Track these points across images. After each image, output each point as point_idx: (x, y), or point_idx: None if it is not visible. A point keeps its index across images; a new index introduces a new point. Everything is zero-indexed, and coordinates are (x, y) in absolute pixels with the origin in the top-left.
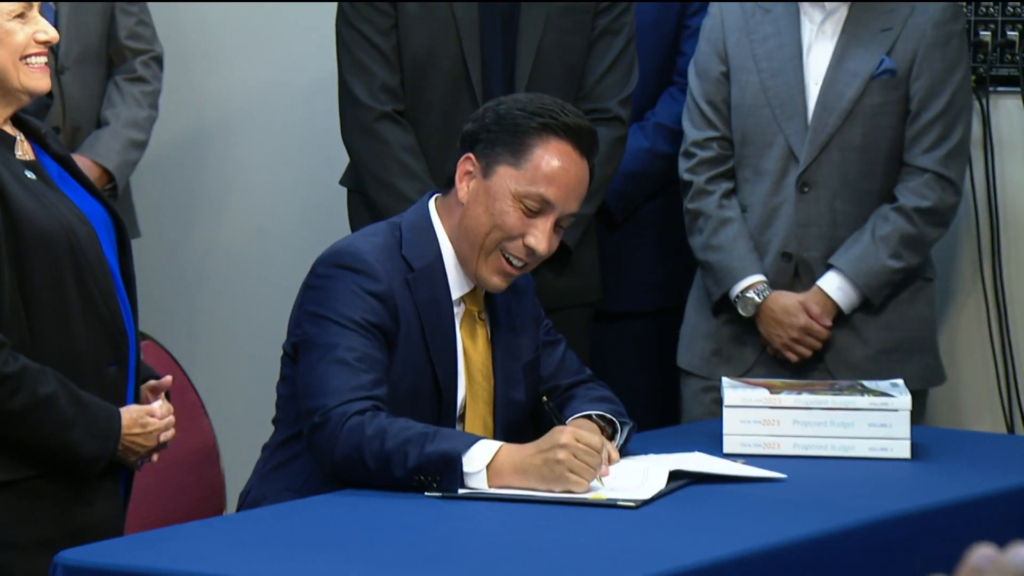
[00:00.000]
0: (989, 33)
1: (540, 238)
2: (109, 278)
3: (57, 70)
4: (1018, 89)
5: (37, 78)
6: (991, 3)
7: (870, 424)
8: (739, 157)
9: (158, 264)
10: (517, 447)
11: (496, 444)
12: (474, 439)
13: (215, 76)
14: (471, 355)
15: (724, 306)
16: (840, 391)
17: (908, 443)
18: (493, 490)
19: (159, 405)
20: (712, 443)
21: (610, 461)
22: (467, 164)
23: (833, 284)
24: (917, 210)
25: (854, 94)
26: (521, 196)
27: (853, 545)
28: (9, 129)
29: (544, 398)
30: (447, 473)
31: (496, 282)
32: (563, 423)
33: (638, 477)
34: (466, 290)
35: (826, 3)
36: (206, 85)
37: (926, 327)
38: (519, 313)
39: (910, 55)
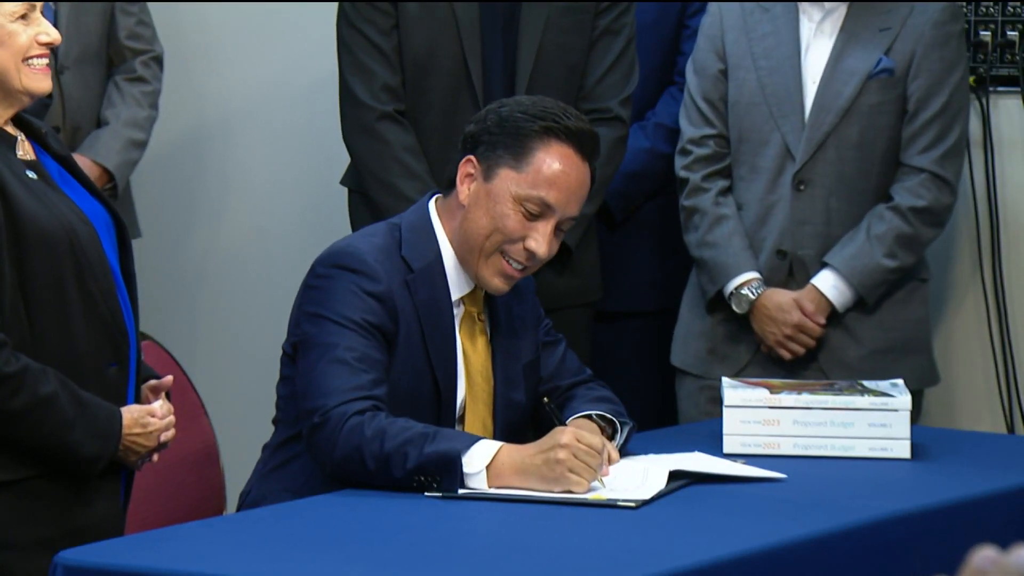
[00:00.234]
0: (989, 33)
1: (540, 241)
2: (110, 278)
3: (57, 70)
4: (1018, 89)
5: (39, 79)
6: (991, 3)
7: (870, 424)
8: (735, 155)
9: (158, 264)
10: (517, 447)
11: (496, 444)
12: (474, 439)
13: (215, 76)
14: (471, 356)
15: (718, 304)
16: (840, 391)
17: (908, 443)
18: (493, 490)
19: (159, 405)
20: (712, 443)
21: (610, 461)
22: (468, 166)
23: (827, 282)
24: (913, 210)
25: (851, 93)
26: (522, 199)
27: (853, 545)
28: (10, 129)
29: (545, 399)
30: (447, 473)
31: (497, 284)
32: (563, 424)
33: (638, 477)
34: (466, 291)
35: (825, 2)
36: (206, 85)
37: (920, 328)
38: (519, 314)
39: (908, 55)
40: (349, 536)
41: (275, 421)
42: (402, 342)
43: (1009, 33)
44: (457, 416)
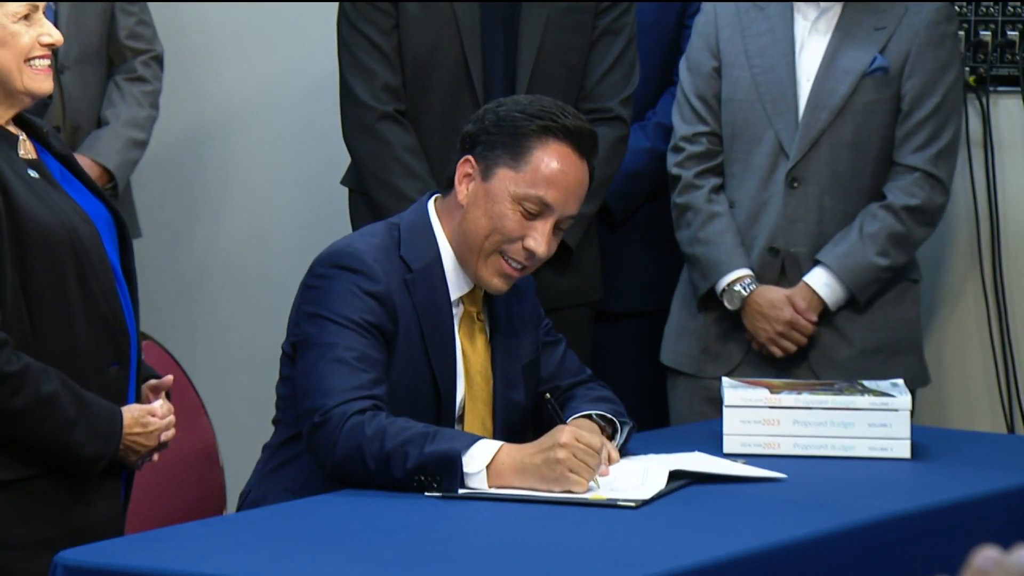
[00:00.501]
0: (989, 33)
1: (539, 240)
2: (111, 277)
3: (57, 70)
4: (1018, 89)
5: (40, 80)
6: (991, 3)
7: (870, 424)
8: (728, 152)
9: (158, 264)
10: (517, 447)
11: (496, 444)
12: (474, 439)
13: (215, 76)
14: (470, 356)
15: (710, 302)
16: (840, 391)
17: (908, 443)
18: (493, 490)
19: (160, 405)
20: (712, 443)
21: (610, 461)
22: (466, 166)
23: (820, 280)
24: (906, 208)
25: (846, 91)
26: (520, 199)
27: (853, 545)
28: (12, 128)
29: (547, 395)
30: (447, 473)
31: (497, 284)
32: (564, 421)
33: (638, 477)
34: (465, 291)
35: (821, 1)
36: (206, 85)
37: (911, 328)
38: (519, 314)
39: (903, 54)
40: (349, 536)
41: (275, 421)
42: (401, 342)
43: (1009, 33)
44: (457, 416)
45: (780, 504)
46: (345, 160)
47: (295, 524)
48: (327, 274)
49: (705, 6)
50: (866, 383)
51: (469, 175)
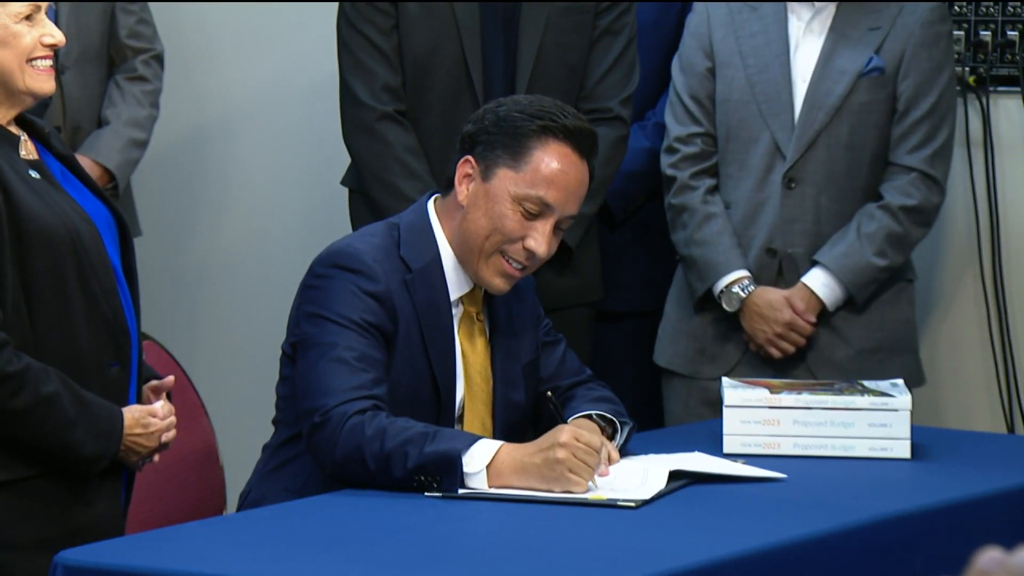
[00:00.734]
0: (989, 33)
1: (540, 240)
2: (112, 278)
3: (58, 70)
4: (1018, 89)
5: (42, 80)
6: (991, 3)
7: (870, 424)
8: (723, 153)
9: (159, 263)
10: (517, 447)
11: (496, 444)
12: (474, 439)
13: (215, 76)
14: (469, 356)
15: (705, 303)
16: (840, 391)
17: (908, 443)
18: (493, 490)
19: (161, 405)
20: (712, 443)
21: (610, 461)
22: (466, 167)
23: (818, 280)
24: (903, 208)
25: (842, 91)
26: (520, 199)
27: (853, 545)
28: (13, 129)
29: (548, 393)
30: (447, 473)
31: (498, 284)
32: (565, 419)
33: (638, 477)
34: (465, 291)
35: (815, 2)
36: (206, 85)
37: (907, 328)
38: (519, 314)
39: (898, 54)
40: (349, 536)
41: (275, 421)
42: (401, 342)
43: (1009, 33)
44: (456, 416)
45: (780, 504)
46: (345, 160)
47: (295, 524)
48: (327, 274)
49: (697, 5)
50: (866, 383)
51: (469, 175)
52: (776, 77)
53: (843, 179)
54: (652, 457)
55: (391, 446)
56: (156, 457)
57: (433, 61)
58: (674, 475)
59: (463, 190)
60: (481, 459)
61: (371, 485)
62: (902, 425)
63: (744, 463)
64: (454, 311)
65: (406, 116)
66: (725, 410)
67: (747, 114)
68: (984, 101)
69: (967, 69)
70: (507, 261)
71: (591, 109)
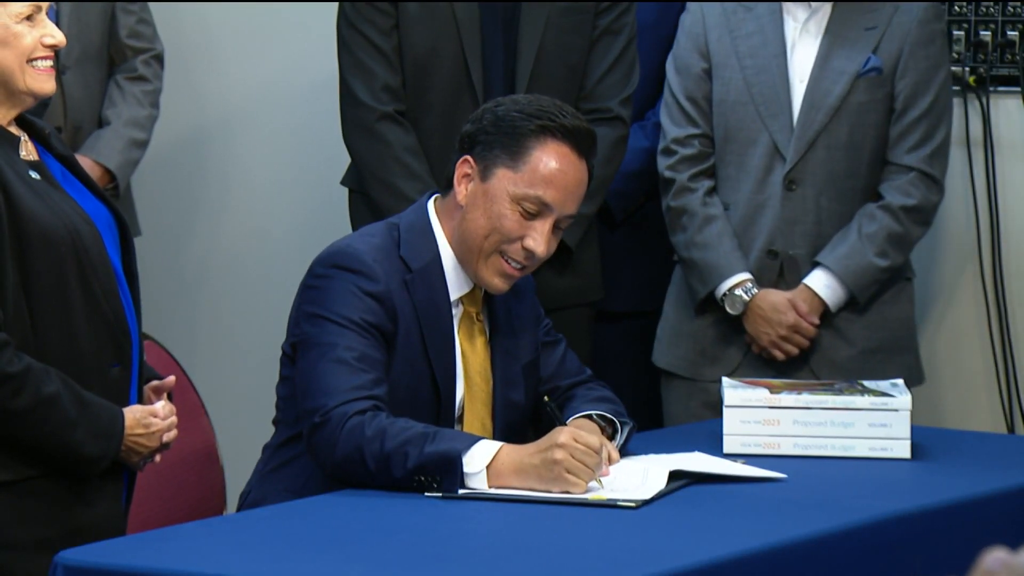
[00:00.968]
0: (989, 33)
1: (539, 240)
2: (112, 278)
3: (58, 70)
4: (1018, 89)
5: (42, 81)
6: (991, 3)
7: (870, 424)
8: (721, 154)
9: (158, 264)
10: (517, 447)
11: (496, 444)
12: (474, 439)
13: (215, 76)
14: (469, 357)
15: (706, 305)
16: (840, 391)
17: (908, 443)
18: (493, 490)
19: (162, 406)
20: (712, 443)
21: (610, 461)
22: (465, 166)
23: (821, 282)
24: (903, 208)
25: (841, 91)
26: (519, 199)
27: (853, 545)
28: (14, 130)
29: (545, 398)
30: (447, 473)
31: (498, 284)
32: (564, 423)
33: (638, 477)
34: (464, 291)
35: (811, 2)
36: (206, 85)
37: (907, 327)
38: (519, 314)
39: (895, 53)
40: (349, 536)
41: (275, 422)
42: (401, 342)
43: (1009, 33)
44: (456, 416)
45: (780, 504)
46: (345, 160)
47: (295, 524)
48: (327, 274)
49: (691, 5)
50: (866, 383)
51: (468, 175)
52: (774, 78)
53: (843, 180)
54: (652, 457)
55: (391, 446)
56: (157, 457)
57: (433, 61)
58: (674, 475)
59: (462, 190)
60: (481, 459)
61: (371, 485)
62: (902, 425)
63: (744, 463)
64: (454, 311)
65: (406, 116)
66: (725, 410)
67: (745, 115)
68: (984, 101)
69: (967, 69)
70: (506, 261)
71: (591, 109)
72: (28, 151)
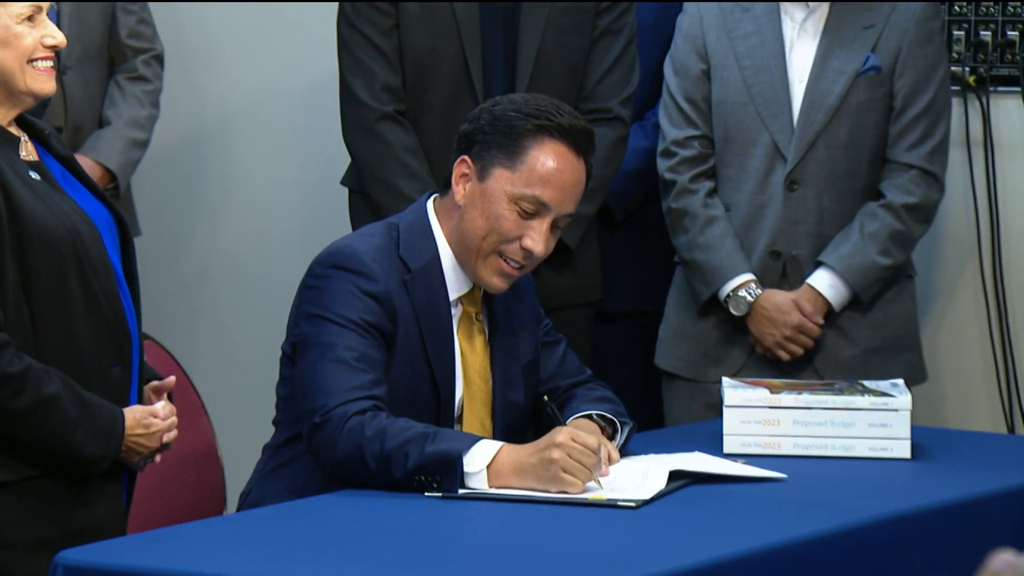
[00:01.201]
0: (989, 33)
1: (537, 240)
2: (112, 278)
3: (59, 70)
4: (1018, 89)
5: (43, 81)
6: (991, 3)
7: (870, 424)
8: (720, 155)
9: (158, 264)
10: (517, 447)
11: (497, 444)
12: (475, 439)
13: (215, 76)
14: (468, 357)
15: (709, 306)
16: (840, 391)
17: (908, 443)
18: (493, 490)
19: (162, 406)
20: (712, 443)
21: (610, 461)
22: (463, 166)
23: (824, 282)
24: (905, 206)
25: (841, 91)
26: (517, 198)
27: (853, 545)
28: (14, 130)
29: (545, 398)
30: (447, 473)
31: (497, 283)
32: (563, 423)
33: (638, 477)
34: (464, 291)
35: (809, 2)
36: (206, 85)
37: (910, 325)
38: (518, 314)
39: (894, 52)
40: (349, 536)
41: (275, 422)
42: (400, 342)
43: (1009, 33)
44: (456, 416)
45: (780, 504)
46: (345, 160)
47: (295, 524)
48: (326, 274)
49: (688, 6)
50: (866, 383)
51: (466, 175)
52: (773, 78)
53: (844, 179)
54: (652, 457)
55: (391, 446)
56: (158, 457)
57: (433, 61)
58: (674, 475)
59: (460, 190)
60: (482, 459)
61: (371, 485)
62: (902, 425)
63: (744, 463)
64: (453, 311)
65: (406, 116)
66: (725, 410)
67: (744, 116)
68: (984, 101)
69: (967, 69)
70: (505, 261)
71: (591, 109)
72: (28, 151)
